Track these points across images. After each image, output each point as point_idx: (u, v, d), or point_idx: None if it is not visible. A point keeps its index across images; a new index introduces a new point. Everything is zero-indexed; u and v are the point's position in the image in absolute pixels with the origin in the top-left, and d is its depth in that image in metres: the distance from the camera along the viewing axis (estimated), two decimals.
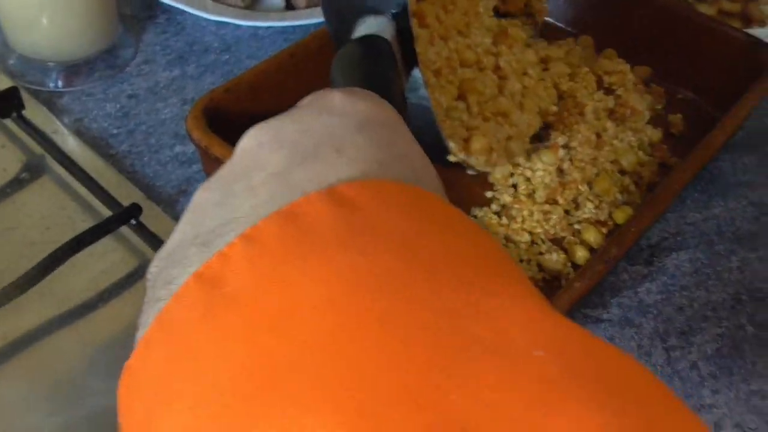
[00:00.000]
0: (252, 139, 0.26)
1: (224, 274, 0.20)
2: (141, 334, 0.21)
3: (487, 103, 0.53)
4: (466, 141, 0.48)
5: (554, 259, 0.56)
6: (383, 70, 0.36)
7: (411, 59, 0.40)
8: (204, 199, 0.24)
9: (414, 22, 0.42)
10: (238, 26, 0.76)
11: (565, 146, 0.61)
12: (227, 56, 0.74)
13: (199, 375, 0.18)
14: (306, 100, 0.28)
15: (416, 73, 0.40)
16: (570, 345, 0.18)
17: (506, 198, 0.58)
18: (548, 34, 0.72)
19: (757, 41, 0.65)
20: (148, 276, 0.24)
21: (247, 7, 0.76)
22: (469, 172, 0.50)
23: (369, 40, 0.38)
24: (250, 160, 0.25)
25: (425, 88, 0.39)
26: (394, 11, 0.39)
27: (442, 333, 0.17)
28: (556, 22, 0.75)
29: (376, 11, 0.40)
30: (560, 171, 0.61)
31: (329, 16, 0.44)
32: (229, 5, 0.75)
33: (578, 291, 0.48)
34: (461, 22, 0.51)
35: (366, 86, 0.32)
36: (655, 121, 0.68)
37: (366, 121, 0.26)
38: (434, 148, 0.43)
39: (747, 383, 0.53)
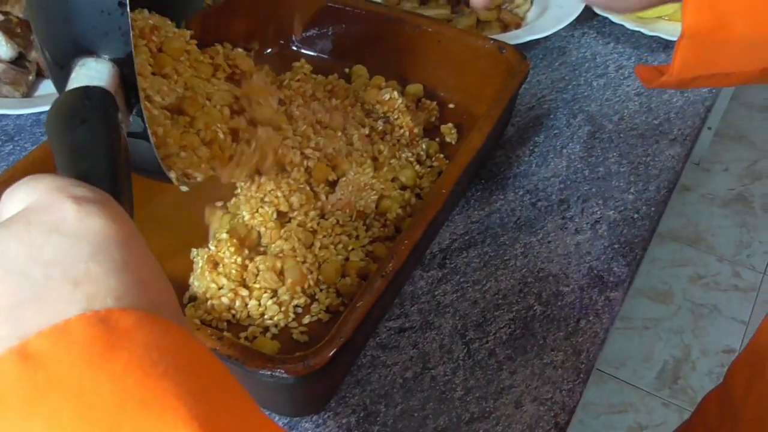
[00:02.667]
0: None
1: None
2: None
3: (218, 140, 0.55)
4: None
5: (348, 282, 0.58)
6: (100, 133, 0.33)
7: (134, 99, 0.39)
8: None
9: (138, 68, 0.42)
10: (19, 115, 0.75)
11: (344, 175, 0.64)
12: (11, 146, 0.73)
13: None
14: (34, 204, 0.26)
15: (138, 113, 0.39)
16: None
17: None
18: (323, 69, 0.76)
19: (501, 45, 0.71)
20: None
21: (24, 96, 0.76)
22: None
23: (87, 93, 0.35)
24: None
25: (148, 129, 0.39)
26: (116, 56, 0.37)
27: None
28: (330, 57, 0.79)
29: (95, 54, 0.37)
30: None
31: (43, 54, 0.39)
32: (5, 96, 0.75)
33: (361, 310, 0.50)
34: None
35: (80, 155, 0.32)
36: (432, 133, 0.72)
37: (101, 243, 0.25)
38: (160, 175, 0.45)
39: (540, 358, 0.58)
